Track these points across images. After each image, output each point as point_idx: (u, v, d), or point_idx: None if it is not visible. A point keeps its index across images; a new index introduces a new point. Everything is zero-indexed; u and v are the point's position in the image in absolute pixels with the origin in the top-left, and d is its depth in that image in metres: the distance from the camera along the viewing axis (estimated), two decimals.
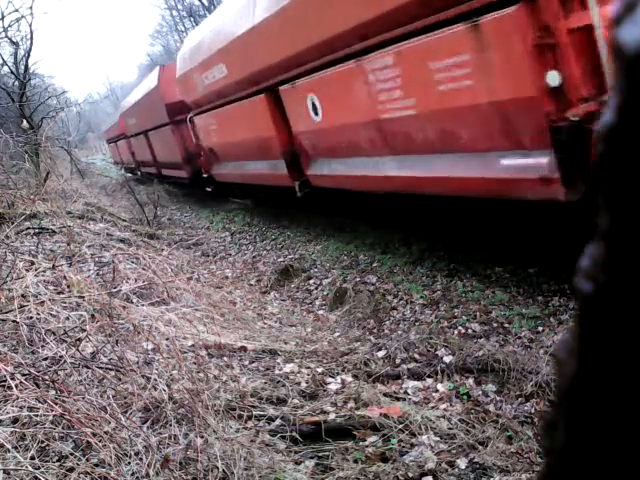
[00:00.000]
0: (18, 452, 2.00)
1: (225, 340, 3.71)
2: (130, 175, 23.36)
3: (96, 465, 2.06)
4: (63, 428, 2.18)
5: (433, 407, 2.95)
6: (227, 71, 7.12)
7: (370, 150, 4.93)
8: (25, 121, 11.23)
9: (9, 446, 1.96)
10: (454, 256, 5.24)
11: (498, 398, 2.99)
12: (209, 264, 7.24)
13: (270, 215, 9.25)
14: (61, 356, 2.57)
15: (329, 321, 4.66)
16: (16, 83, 13.51)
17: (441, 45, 3.49)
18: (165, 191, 14.61)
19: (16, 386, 2.16)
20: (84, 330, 2.77)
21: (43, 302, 2.99)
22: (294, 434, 2.66)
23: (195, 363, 3.16)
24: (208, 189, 10.75)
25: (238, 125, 7.48)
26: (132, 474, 2.07)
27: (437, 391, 3.12)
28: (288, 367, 3.45)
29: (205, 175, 10.17)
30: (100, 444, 2.08)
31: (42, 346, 2.70)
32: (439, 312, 4.33)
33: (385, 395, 3.07)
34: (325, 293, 5.39)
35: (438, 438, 2.64)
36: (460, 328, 3.97)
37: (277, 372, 3.37)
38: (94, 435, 2.10)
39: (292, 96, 5.86)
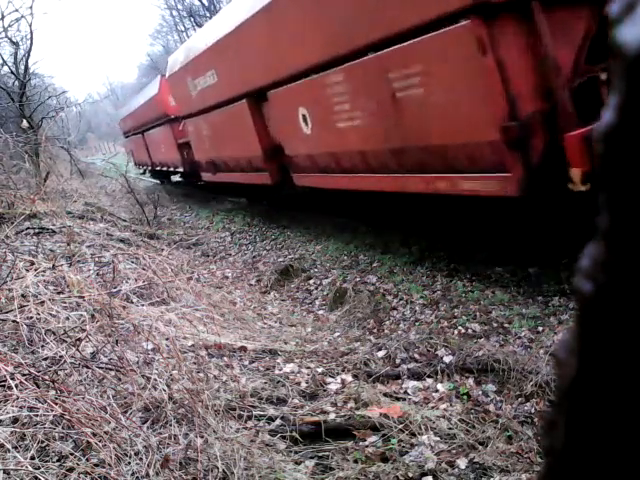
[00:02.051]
0: (18, 452, 1.99)
1: (225, 340, 3.71)
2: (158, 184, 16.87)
3: (96, 465, 2.06)
4: (63, 428, 2.18)
5: (433, 407, 2.95)
6: None
7: None
8: (25, 121, 11.22)
9: (9, 446, 1.96)
10: (454, 256, 5.23)
11: (498, 398, 2.99)
12: (209, 264, 7.24)
13: (270, 215, 9.25)
14: (61, 356, 2.57)
15: (329, 321, 4.66)
16: (16, 83, 13.51)
17: None
18: (165, 191, 14.57)
19: (16, 386, 2.16)
20: (84, 330, 2.77)
21: (43, 302, 2.99)
22: (294, 434, 2.66)
23: (195, 363, 3.16)
24: None
25: None
26: (132, 474, 2.07)
27: (437, 391, 3.12)
28: (288, 367, 3.45)
29: None
30: (100, 444, 2.08)
31: (42, 346, 2.70)
32: (439, 312, 4.33)
33: (385, 395, 3.07)
34: (325, 293, 5.39)
35: (438, 438, 2.64)
36: (460, 328, 3.96)
37: (277, 372, 3.37)
38: (94, 435, 2.10)
39: None
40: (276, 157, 6.92)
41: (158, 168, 15.74)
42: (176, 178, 16.14)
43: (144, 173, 18.61)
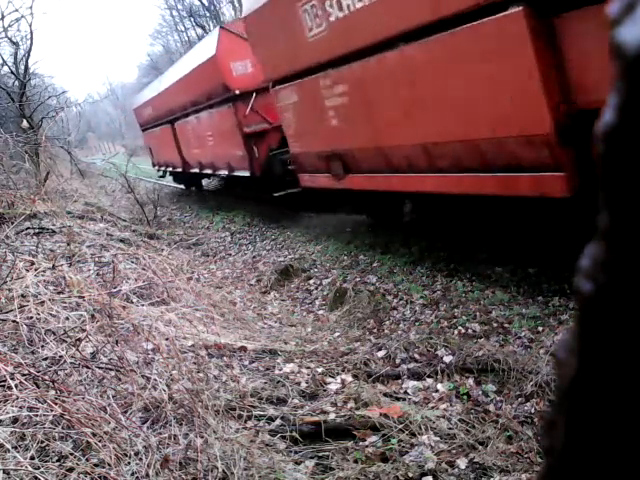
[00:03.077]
0: (18, 452, 1.99)
1: (225, 340, 3.71)
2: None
3: (96, 465, 2.06)
4: (63, 428, 2.18)
5: (433, 407, 2.95)
6: None
7: None
8: (25, 121, 11.22)
9: (9, 446, 1.96)
10: (454, 256, 5.23)
11: (498, 398, 2.99)
12: (209, 264, 7.24)
13: (270, 215, 9.25)
14: (61, 356, 2.57)
15: (329, 321, 4.66)
16: (16, 83, 13.52)
17: None
18: (165, 191, 14.54)
19: (16, 386, 2.16)
20: (84, 330, 2.77)
21: (43, 302, 2.99)
22: (294, 434, 2.66)
23: (195, 363, 3.16)
24: None
25: None
26: (132, 474, 2.07)
27: (437, 391, 3.12)
28: (288, 367, 3.45)
29: None
30: (100, 444, 2.08)
31: (42, 346, 2.70)
32: (439, 312, 4.33)
33: (385, 395, 3.07)
34: (325, 293, 5.39)
35: (438, 438, 2.64)
36: (460, 328, 3.96)
37: (277, 372, 3.37)
38: (94, 435, 2.10)
39: None
40: (584, 138, 3.04)
41: (195, 170, 10.93)
42: (205, 182, 12.84)
43: (163, 176, 14.79)
